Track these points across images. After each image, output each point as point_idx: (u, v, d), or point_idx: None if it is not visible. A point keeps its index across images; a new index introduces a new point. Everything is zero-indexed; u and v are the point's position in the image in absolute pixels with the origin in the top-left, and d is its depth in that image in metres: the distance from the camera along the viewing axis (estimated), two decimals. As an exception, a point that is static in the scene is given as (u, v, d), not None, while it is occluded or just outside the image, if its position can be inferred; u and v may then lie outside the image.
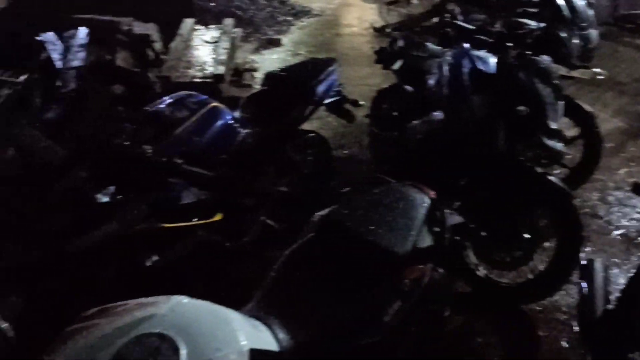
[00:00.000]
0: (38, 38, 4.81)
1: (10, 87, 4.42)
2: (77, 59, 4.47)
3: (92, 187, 2.21)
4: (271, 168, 3.04)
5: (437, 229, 1.77)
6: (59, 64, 4.41)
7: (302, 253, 1.69)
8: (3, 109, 3.23)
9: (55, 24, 5.15)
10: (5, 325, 2.11)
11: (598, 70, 3.69)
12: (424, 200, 1.79)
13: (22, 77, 4.56)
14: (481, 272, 2.85)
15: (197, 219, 2.60)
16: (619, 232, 3.33)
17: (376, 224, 1.68)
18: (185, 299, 1.36)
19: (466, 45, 3.24)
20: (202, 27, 5.22)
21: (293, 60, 6.52)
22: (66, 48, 4.72)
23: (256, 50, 6.83)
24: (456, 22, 3.50)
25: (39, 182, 2.23)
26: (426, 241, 1.71)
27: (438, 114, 3.12)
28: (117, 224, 2.28)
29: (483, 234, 2.75)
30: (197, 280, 2.79)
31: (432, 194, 1.85)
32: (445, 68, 3.13)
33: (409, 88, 3.58)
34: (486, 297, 2.86)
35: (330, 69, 3.17)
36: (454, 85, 3.00)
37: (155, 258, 2.37)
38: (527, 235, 2.75)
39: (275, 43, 7.12)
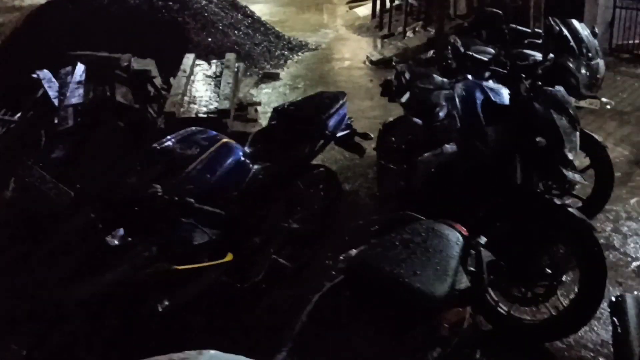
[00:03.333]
0: (34, 75, 4.78)
1: (4, 125, 4.35)
2: (75, 95, 4.41)
3: (101, 229, 2.11)
4: (282, 204, 2.96)
5: (473, 269, 1.68)
6: (55, 101, 4.36)
7: (332, 298, 1.60)
8: (1, 146, 3.14)
9: (51, 61, 5.12)
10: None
11: (606, 100, 3.68)
12: (457, 238, 1.71)
13: (17, 115, 4.51)
14: (502, 308, 2.75)
15: (208, 260, 2.50)
16: (637, 263, 3.26)
17: (410, 265, 1.59)
18: (216, 353, 1.26)
19: (469, 76, 3.23)
20: (204, 62, 5.18)
21: (292, 94, 6.52)
22: (63, 85, 4.67)
23: (255, 85, 6.82)
24: (468, 53, 3.47)
25: (44, 225, 2.14)
26: (463, 282, 1.62)
27: (450, 147, 3.06)
28: (127, 267, 2.18)
29: (503, 265, 2.65)
30: (209, 323, 2.68)
31: (464, 230, 1.77)
32: (457, 100, 3.09)
33: (417, 120, 3.53)
34: (508, 334, 2.75)
35: (341, 102, 3.12)
36: (467, 117, 2.96)
37: (166, 303, 2.27)
38: (548, 270, 2.67)
39: (274, 77, 7.11)
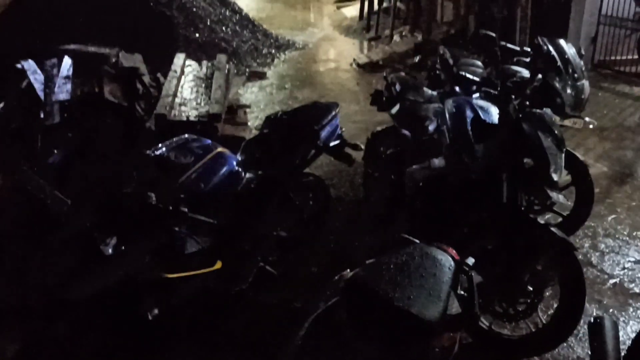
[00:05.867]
0: (18, 65, 4.69)
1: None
2: (63, 91, 4.35)
3: (97, 235, 2.13)
4: (272, 212, 2.99)
5: (464, 294, 1.73)
6: (41, 94, 4.29)
7: (328, 319, 1.64)
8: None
9: (37, 52, 5.02)
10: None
11: (589, 119, 3.76)
12: (449, 263, 1.76)
13: (1, 105, 4.43)
14: (483, 323, 2.83)
15: (198, 267, 2.53)
16: (613, 281, 3.36)
17: (404, 289, 1.64)
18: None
19: (458, 89, 3.29)
20: (195, 62, 5.16)
21: (279, 95, 6.53)
22: (48, 78, 4.60)
23: (242, 84, 6.80)
24: (462, 73, 3.53)
25: (43, 227, 2.15)
26: (454, 307, 1.67)
27: (438, 161, 3.12)
28: (120, 273, 2.20)
29: (493, 288, 2.72)
30: (195, 330, 2.71)
31: (456, 254, 1.82)
32: (446, 115, 3.15)
33: (405, 132, 3.58)
34: (489, 348, 2.83)
35: (333, 113, 3.16)
36: (456, 134, 3.02)
37: (156, 311, 2.29)
38: (530, 287, 2.75)
39: (261, 76, 7.11)
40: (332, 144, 3.15)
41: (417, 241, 1.87)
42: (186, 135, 2.77)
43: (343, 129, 3.32)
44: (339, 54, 8.55)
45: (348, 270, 1.79)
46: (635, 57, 6.78)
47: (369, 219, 3.77)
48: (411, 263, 1.75)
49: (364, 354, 1.60)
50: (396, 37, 8.70)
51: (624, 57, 6.82)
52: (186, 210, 2.31)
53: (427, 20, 7.81)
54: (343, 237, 3.52)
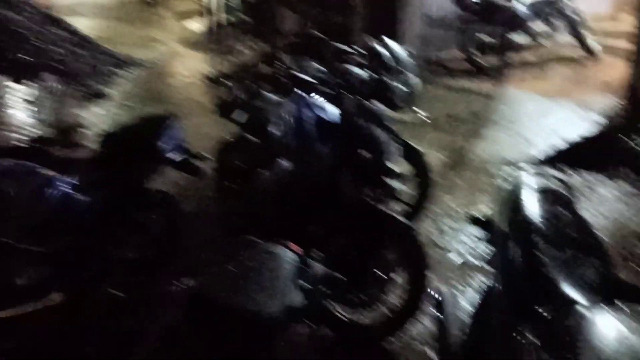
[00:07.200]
0: None
1: None
2: None
3: None
4: (116, 233, 2.84)
5: (307, 286, 1.77)
6: None
7: (171, 335, 1.58)
8: None
9: None
10: None
11: (420, 112, 4.05)
12: (291, 258, 1.79)
13: None
14: (344, 316, 2.91)
15: (35, 302, 2.33)
16: (457, 257, 3.64)
17: (246, 290, 1.63)
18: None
19: (301, 93, 3.38)
20: (18, 84, 4.76)
21: (124, 114, 6.24)
22: None
23: (81, 105, 6.40)
24: (294, 73, 3.61)
25: None
26: (298, 299, 1.70)
27: (285, 164, 3.17)
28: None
29: (340, 278, 2.81)
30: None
31: (298, 250, 1.86)
32: (288, 118, 3.22)
33: (252, 138, 3.60)
34: (351, 340, 2.93)
35: (171, 123, 3.07)
36: (299, 135, 3.09)
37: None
38: (379, 273, 2.88)
39: (102, 96, 6.75)
40: (174, 156, 3.07)
41: (259, 241, 1.88)
42: (9, 161, 2.54)
43: (185, 140, 3.25)
44: (187, 69, 8.39)
45: (189, 280, 1.75)
46: (460, 53, 7.44)
47: (224, 229, 3.73)
48: (253, 264, 1.75)
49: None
50: (243, 49, 8.74)
51: (451, 54, 7.47)
52: (12, 242, 2.11)
53: (271, 31, 7.95)
54: (196, 252, 3.44)
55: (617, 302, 1.59)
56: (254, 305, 1.58)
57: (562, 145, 5.08)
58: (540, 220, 1.81)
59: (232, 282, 1.65)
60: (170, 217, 3.26)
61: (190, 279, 1.76)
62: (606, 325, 1.34)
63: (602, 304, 1.49)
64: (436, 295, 2.41)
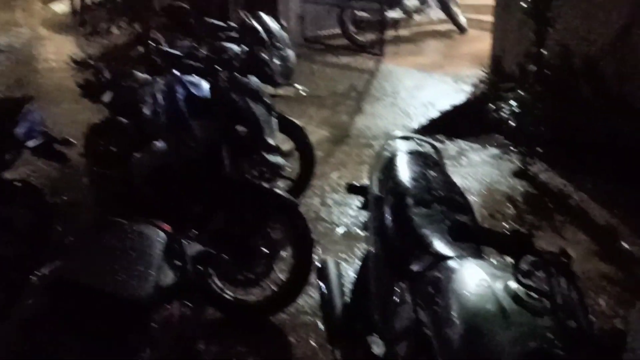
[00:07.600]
0: None
1: None
2: None
3: None
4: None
5: (178, 263, 1.68)
6: None
7: (31, 323, 1.45)
8: None
9: None
10: None
11: (299, 87, 4.04)
12: (159, 236, 1.69)
13: None
14: (228, 295, 2.85)
15: None
16: (342, 229, 3.69)
17: (112, 272, 1.53)
18: None
19: (176, 71, 3.23)
20: None
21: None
22: None
23: None
24: (162, 48, 3.45)
25: None
26: (169, 278, 1.61)
27: (160, 144, 3.03)
28: None
29: (224, 257, 2.75)
30: None
31: (167, 227, 1.76)
32: (159, 96, 3.07)
33: (124, 120, 3.40)
34: (238, 318, 2.88)
35: (27, 107, 2.80)
36: (170, 113, 2.96)
37: None
38: (265, 250, 2.85)
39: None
40: (33, 143, 2.81)
41: (125, 222, 1.76)
42: None
43: (46, 125, 2.98)
44: (53, 53, 7.82)
45: (48, 266, 1.61)
46: (339, 31, 7.52)
47: (99, 216, 3.51)
48: (118, 244, 1.64)
49: (83, 352, 1.45)
50: (115, 30, 8.27)
51: (330, 32, 7.55)
52: None
53: (143, 10, 7.57)
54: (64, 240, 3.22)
55: (481, 252, 1.67)
56: (120, 285, 1.48)
57: (437, 115, 5.32)
58: (411, 181, 1.85)
59: (95, 264, 1.54)
60: (36, 209, 2.99)
61: (53, 265, 1.61)
62: (471, 274, 1.39)
63: (468, 256, 1.55)
64: (320, 266, 2.42)
